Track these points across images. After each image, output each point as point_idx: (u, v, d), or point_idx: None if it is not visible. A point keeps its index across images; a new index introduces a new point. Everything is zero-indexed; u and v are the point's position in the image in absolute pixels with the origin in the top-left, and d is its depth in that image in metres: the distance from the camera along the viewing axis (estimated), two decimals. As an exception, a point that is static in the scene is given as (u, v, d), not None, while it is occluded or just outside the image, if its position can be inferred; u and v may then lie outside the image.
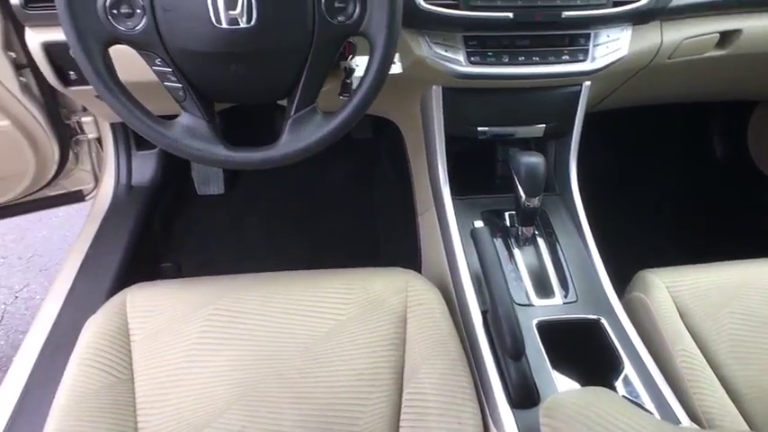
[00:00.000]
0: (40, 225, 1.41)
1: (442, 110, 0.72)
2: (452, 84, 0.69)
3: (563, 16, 0.63)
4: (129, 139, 1.00)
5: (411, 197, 0.90)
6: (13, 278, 1.26)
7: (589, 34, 0.67)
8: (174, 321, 0.56)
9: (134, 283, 0.61)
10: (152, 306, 0.57)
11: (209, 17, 0.46)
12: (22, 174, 0.87)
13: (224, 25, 0.46)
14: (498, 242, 0.69)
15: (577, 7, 0.63)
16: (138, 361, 0.54)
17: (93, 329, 0.55)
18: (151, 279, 0.94)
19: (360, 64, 0.65)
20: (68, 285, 0.85)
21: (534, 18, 0.63)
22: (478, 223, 0.70)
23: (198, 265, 1.06)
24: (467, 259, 0.67)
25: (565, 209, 0.74)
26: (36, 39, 0.61)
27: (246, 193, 1.20)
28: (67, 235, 1.39)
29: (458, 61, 0.66)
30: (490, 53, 0.66)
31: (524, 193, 0.64)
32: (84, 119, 0.95)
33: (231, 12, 0.46)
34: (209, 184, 1.20)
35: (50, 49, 0.62)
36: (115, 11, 0.45)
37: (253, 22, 0.46)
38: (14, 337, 1.12)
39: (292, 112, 0.52)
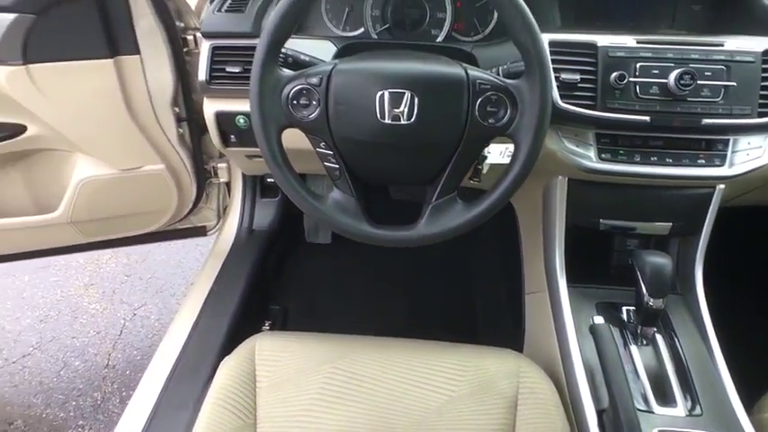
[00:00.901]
0: (160, 249, 1.56)
1: (565, 200, 0.73)
2: (579, 176, 0.70)
3: (702, 123, 0.63)
4: (256, 188, 1.10)
5: (517, 275, 0.91)
6: (133, 296, 1.40)
7: (728, 140, 0.66)
8: (297, 374, 0.60)
9: (249, 322, 0.66)
10: (278, 356, 0.62)
11: (375, 113, 0.52)
12: (166, 210, 0.98)
13: (387, 121, 0.51)
14: (616, 337, 0.67)
15: (719, 115, 0.63)
16: (263, 407, 0.59)
17: (227, 372, 0.60)
18: (261, 319, 1.00)
19: (491, 151, 0.69)
20: (193, 318, 0.93)
21: (672, 123, 0.64)
22: (598, 319, 0.69)
23: (302, 311, 1.12)
24: (581, 351, 0.66)
25: (687, 309, 0.71)
26: (211, 107, 0.71)
27: (351, 246, 1.25)
28: (182, 261, 1.53)
29: (588, 156, 0.67)
30: (622, 151, 0.67)
31: (648, 293, 0.63)
32: (219, 165, 1.07)
33: (395, 110, 0.51)
34: (318, 233, 1.27)
35: (220, 116, 0.72)
36: (295, 101, 0.53)
37: (412, 120, 0.52)
38: (129, 353, 1.23)
39: (434, 199, 0.56)
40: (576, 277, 0.76)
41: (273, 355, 0.62)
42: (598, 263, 0.81)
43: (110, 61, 0.71)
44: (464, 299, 1.15)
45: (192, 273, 1.49)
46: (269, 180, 1.10)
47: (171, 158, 0.94)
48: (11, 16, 0.68)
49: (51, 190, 0.82)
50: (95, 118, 0.79)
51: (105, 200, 0.80)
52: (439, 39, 0.79)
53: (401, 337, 0.66)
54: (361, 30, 0.78)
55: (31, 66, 0.73)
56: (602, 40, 0.65)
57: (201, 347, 0.90)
